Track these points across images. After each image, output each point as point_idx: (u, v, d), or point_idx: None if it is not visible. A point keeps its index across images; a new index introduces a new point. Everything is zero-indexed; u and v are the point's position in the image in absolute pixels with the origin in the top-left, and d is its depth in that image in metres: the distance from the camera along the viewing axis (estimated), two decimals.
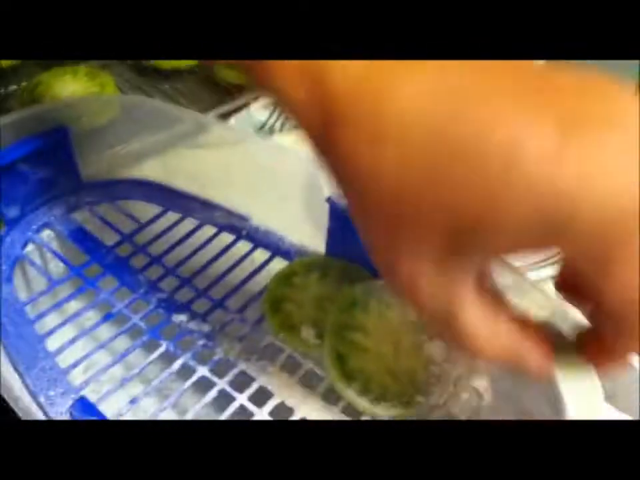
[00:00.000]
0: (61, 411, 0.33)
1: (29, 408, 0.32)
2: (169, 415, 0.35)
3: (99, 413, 0.26)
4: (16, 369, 0.34)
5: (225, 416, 0.33)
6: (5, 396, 0.32)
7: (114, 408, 0.32)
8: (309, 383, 0.35)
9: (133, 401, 0.34)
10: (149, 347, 0.36)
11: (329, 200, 0.37)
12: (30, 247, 0.41)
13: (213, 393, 0.34)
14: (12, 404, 0.31)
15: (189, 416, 0.33)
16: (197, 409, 0.33)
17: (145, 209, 0.44)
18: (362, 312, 0.36)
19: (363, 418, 0.33)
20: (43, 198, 0.43)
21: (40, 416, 0.32)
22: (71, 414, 0.27)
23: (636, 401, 0.25)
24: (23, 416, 0.31)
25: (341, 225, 0.38)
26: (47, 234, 0.42)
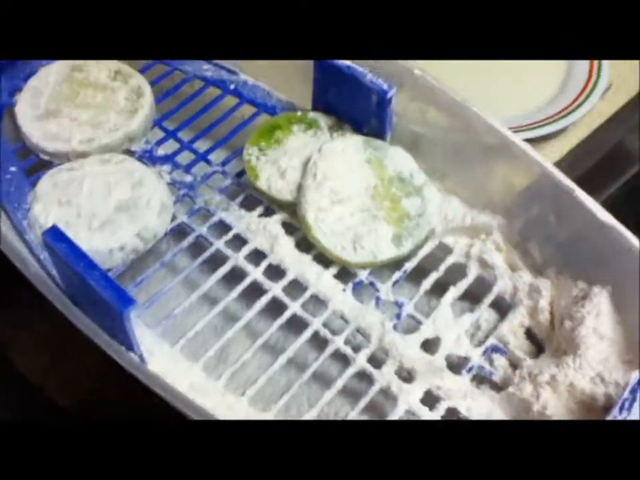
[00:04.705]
0: None
1: (16, 246, 0.33)
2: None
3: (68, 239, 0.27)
4: (3, 210, 0.36)
5: (200, 260, 0.34)
6: None
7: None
8: (285, 230, 0.35)
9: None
10: None
11: None
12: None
13: (190, 239, 0.35)
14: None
15: (166, 260, 0.34)
16: (174, 252, 0.34)
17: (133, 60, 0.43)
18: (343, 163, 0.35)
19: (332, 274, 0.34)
20: None
21: (25, 252, 0.34)
22: (44, 242, 0.28)
23: None
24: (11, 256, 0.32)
25: (327, 77, 0.37)
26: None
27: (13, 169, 0.38)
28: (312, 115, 0.39)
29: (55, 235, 0.28)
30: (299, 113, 0.39)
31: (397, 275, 0.34)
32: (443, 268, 0.34)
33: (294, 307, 0.32)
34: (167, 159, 0.39)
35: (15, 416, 0.37)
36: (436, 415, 0.29)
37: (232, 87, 0.42)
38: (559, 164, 0.40)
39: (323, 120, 0.38)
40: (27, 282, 0.32)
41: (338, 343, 0.31)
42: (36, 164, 0.38)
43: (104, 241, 0.33)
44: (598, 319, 0.30)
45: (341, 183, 0.35)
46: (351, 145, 0.36)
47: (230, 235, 0.35)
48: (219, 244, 0.35)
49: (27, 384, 0.36)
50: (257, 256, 0.34)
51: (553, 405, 0.29)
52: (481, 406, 0.30)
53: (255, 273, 0.34)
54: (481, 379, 0.31)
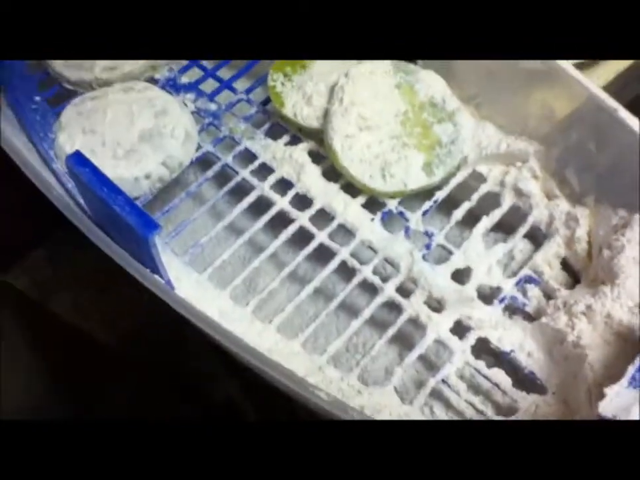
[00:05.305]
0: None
1: (41, 174, 0.33)
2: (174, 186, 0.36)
3: (91, 164, 0.27)
4: (30, 140, 0.36)
5: (226, 189, 0.34)
6: (17, 162, 0.33)
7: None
8: (312, 159, 0.34)
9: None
10: None
11: None
12: None
13: (216, 168, 0.34)
14: (24, 169, 0.33)
15: (192, 189, 0.34)
16: (199, 182, 0.34)
17: None
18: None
19: (360, 198, 0.33)
20: None
21: (52, 180, 0.33)
22: (68, 168, 0.28)
23: None
24: (36, 182, 0.32)
25: None
26: None
27: (37, 98, 0.37)
28: None
29: (78, 159, 0.27)
30: None
31: (428, 204, 0.33)
32: (475, 197, 0.33)
33: (321, 237, 0.32)
34: (191, 87, 0.38)
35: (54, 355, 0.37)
36: (466, 344, 0.29)
37: None
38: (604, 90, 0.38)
39: None
40: (67, 220, 0.32)
41: (366, 272, 0.31)
42: (60, 93, 0.38)
43: (129, 169, 0.33)
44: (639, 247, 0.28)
45: (369, 108, 0.34)
46: (379, 68, 0.35)
47: (256, 164, 0.34)
48: (245, 173, 0.34)
49: (65, 322, 0.37)
50: (283, 185, 0.34)
51: (588, 336, 0.28)
52: (512, 336, 0.29)
53: (281, 203, 0.33)
54: (513, 310, 0.30)
